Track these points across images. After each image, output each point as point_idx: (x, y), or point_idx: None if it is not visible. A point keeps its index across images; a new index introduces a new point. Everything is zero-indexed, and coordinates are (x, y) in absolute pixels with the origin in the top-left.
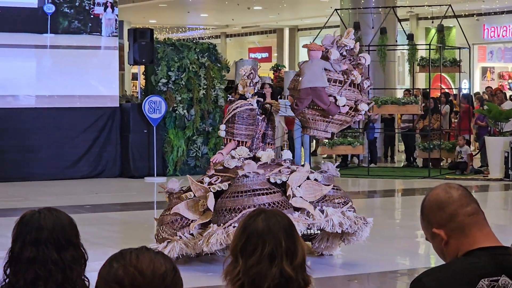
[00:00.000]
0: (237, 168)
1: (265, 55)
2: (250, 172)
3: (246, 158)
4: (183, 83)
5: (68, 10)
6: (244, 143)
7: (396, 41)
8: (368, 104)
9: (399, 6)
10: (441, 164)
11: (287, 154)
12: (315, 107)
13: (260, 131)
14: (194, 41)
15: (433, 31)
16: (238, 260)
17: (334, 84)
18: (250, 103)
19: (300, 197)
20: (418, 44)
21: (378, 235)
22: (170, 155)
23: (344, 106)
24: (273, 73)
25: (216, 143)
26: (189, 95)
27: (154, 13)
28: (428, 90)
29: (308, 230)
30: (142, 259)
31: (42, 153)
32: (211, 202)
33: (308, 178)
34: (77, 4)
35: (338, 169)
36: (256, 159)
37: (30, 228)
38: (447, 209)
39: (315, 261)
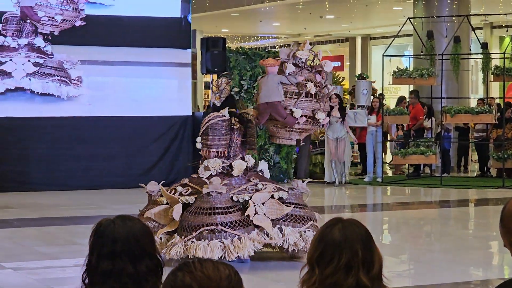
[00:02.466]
0: (205, 183)
1: (337, 64)
2: (213, 191)
3: (222, 167)
4: (255, 92)
5: None
6: (221, 152)
7: (470, 49)
8: (330, 111)
9: (473, 15)
10: None
11: (263, 165)
12: (276, 119)
13: (237, 139)
14: (267, 50)
15: (507, 39)
16: (314, 270)
17: (290, 96)
18: (222, 115)
19: (264, 214)
20: (492, 53)
21: (451, 246)
22: None
23: (301, 116)
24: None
25: (288, 152)
26: None
27: (227, 22)
28: (502, 99)
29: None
30: (206, 265)
31: (116, 161)
32: (177, 213)
33: (272, 197)
34: None
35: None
36: (231, 167)
37: (105, 240)
38: None
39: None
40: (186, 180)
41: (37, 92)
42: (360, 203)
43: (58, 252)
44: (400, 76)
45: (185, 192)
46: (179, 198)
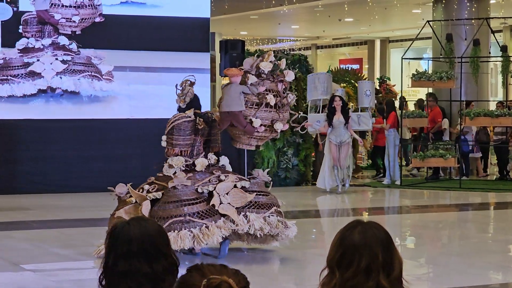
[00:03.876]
0: (171, 178)
1: (356, 66)
2: (178, 185)
3: (186, 165)
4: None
5: None
6: (185, 151)
7: (489, 52)
8: (288, 121)
9: (492, 18)
10: None
11: (223, 160)
12: (236, 126)
13: (201, 139)
14: (285, 53)
15: None
16: (334, 273)
17: (251, 106)
18: (188, 116)
19: (228, 203)
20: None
21: (470, 249)
22: (261, 166)
23: (260, 126)
24: (380, 85)
25: (307, 155)
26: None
27: (245, 25)
28: None
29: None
30: (213, 265)
31: (132, 163)
32: (146, 209)
33: (235, 186)
34: None
35: (269, 175)
36: (194, 165)
37: (120, 241)
38: None
39: None
40: (152, 179)
41: (70, 91)
42: (378, 205)
43: (76, 254)
44: (419, 79)
45: (152, 189)
46: (146, 195)
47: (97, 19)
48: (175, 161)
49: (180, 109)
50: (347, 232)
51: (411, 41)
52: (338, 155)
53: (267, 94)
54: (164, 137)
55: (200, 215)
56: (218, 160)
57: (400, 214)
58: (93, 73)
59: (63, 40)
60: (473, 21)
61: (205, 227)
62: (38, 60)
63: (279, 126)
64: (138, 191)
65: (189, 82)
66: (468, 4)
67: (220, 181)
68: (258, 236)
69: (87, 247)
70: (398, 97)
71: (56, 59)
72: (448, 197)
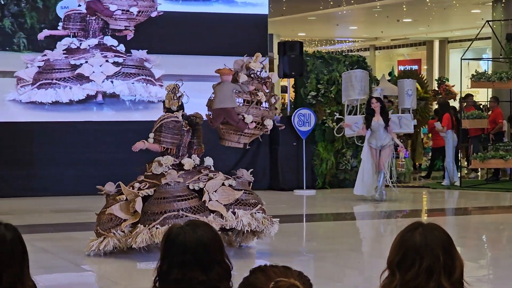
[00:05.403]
0: (162, 176)
1: (414, 67)
2: (171, 181)
3: (172, 165)
4: (333, 96)
5: None
6: (170, 149)
7: None
8: (276, 118)
9: None
10: None
11: (208, 161)
12: (227, 123)
13: (186, 140)
14: (344, 54)
15: None
16: (395, 274)
17: (243, 104)
18: (176, 116)
19: (216, 200)
20: None
21: None
22: (319, 168)
23: (251, 122)
24: (439, 86)
25: None
26: (338, 108)
27: (303, 26)
28: None
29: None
30: (276, 266)
31: None
32: (138, 205)
33: (223, 184)
34: None
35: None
36: (181, 165)
37: (175, 249)
38: None
39: None
40: (141, 177)
41: (123, 95)
42: (438, 207)
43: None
44: (478, 79)
45: (144, 187)
46: (139, 192)
47: (154, 14)
48: (164, 160)
49: (169, 111)
50: (408, 234)
51: (471, 42)
52: (377, 159)
53: (258, 92)
54: (151, 135)
55: (192, 210)
56: (202, 161)
57: (460, 216)
58: (147, 77)
59: (109, 41)
60: None
61: None
62: (86, 61)
63: (269, 123)
64: (129, 188)
65: (179, 86)
66: None
67: (210, 178)
68: (244, 232)
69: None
70: (457, 98)
71: (107, 61)
72: (508, 199)
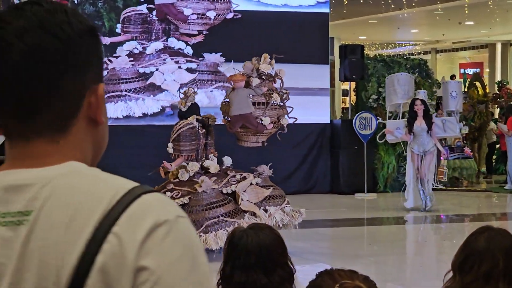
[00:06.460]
0: (192, 183)
1: (476, 70)
2: (207, 188)
3: (197, 172)
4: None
5: None
6: (190, 156)
7: None
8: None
9: None
10: None
11: (227, 160)
12: (246, 127)
13: (203, 143)
14: (405, 57)
15: None
16: (456, 276)
17: (258, 107)
18: (190, 122)
19: (247, 200)
20: None
21: None
22: (381, 171)
23: (269, 123)
24: (500, 89)
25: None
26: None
27: (364, 29)
28: None
29: None
30: (342, 270)
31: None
32: None
33: (250, 184)
34: None
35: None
36: (204, 168)
37: (238, 252)
38: None
39: None
40: (171, 185)
41: (202, 105)
42: (501, 211)
43: None
44: None
45: (176, 195)
46: (174, 201)
47: (229, 15)
48: (191, 166)
49: (180, 112)
50: (473, 237)
51: None
52: (420, 165)
53: (272, 93)
54: (170, 144)
55: (230, 215)
56: (219, 161)
57: None
58: (225, 83)
59: (175, 43)
60: None
61: (237, 224)
62: (157, 69)
63: (285, 121)
64: None
65: (192, 90)
66: None
67: (241, 180)
68: (278, 227)
69: None
70: None
71: (179, 67)
72: None
